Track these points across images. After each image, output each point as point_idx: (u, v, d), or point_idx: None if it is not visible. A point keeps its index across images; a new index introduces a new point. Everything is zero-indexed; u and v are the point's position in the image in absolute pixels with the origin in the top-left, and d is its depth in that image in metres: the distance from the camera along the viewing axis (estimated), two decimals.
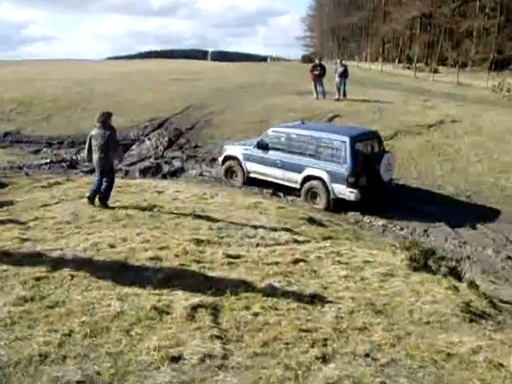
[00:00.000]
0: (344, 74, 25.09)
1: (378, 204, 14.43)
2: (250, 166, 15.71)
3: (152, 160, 19.09)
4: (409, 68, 51.09)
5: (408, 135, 19.38)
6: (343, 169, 13.65)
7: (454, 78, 39.94)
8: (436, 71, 46.27)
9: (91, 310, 5.37)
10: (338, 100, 24.91)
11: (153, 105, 25.96)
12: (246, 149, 15.89)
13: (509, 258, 11.86)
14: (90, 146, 10.12)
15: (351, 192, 13.57)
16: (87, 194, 10.26)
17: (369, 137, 15.20)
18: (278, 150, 15.08)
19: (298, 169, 14.52)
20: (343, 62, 27.31)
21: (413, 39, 66.93)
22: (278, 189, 15.14)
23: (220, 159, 16.89)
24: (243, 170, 15.88)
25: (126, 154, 20.13)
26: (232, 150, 16.40)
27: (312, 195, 14.32)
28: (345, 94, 25.27)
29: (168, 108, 25.15)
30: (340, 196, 13.79)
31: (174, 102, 26.34)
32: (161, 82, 33.03)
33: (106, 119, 10.18)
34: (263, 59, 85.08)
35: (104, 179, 10.16)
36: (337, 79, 25.28)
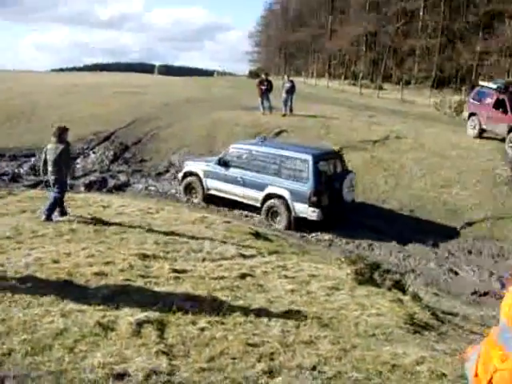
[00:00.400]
0: (291, 90, 25.30)
1: (340, 224, 14.42)
2: (211, 183, 15.53)
3: (97, 174, 18.85)
4: (354, 84, 51.84)
5: (353, 151, 19.65)
6: (305, 187, 13.57)
7: (398, 94, 40.79)
8: (381, 88, 47.15)
9: (33, 328, 5.21)
10: (284, 115, 25.09)
11: (98, 118, 25.60)
12: (207, 165, 15.74)
13: (451, 270, 12.15)
14: (45, 159, 10.14)
15: (313, 211, 13.49)
16: (43, 218, 9.92)
17: (332, 156, 15.15)
18: (239, 167, 14.95)
19: (260, 187, 14.39)
20: (290, 77, 27.58)
21: (358, 56, 68.06)
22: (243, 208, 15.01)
23: (180, 175, 16.64)
24: (203, 187, 15.61)
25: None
26: (192, 166, 16.20)
27: (273, 214, 14.19)
28: (291, 110, 25.48)
29: (114, 121, 24.85)
30: (302, 215, 13.74)
31: (120, 116, 26.05)
32: (107, 95, 32.63)
33: (61, 133, 10.31)
34: (210, 74, 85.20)
35: (53, 192, 10.17)
36: (284, 95, 25.46)
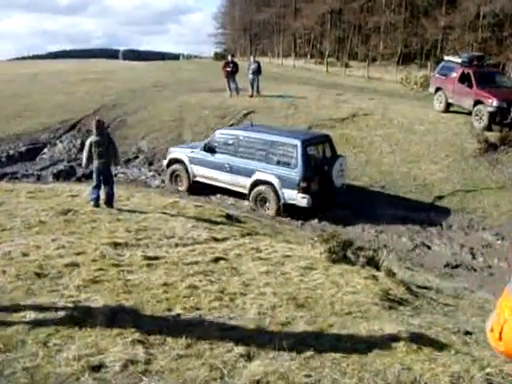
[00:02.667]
0: (257, 71, 25.22)
1: (330, 209, 14.28)
2: (197, 170, 15.27)
3: (65, 163, 18.62)
4: (321, 63, 51.88)
5: (322, 129, 19.66)
6: (294, 173, 13.37)
7: (364, 72, 40.90)
8: (347, 66, 47.26)
9: (4, 324, 5.12)
10: (251, 96, 25.03)
11: (64, 106, 25.27)
12: (192, 151, 15.50)
13: (423, 244, 12.29)
14: (90, 152, 10.44)
15: (303, 197, 13.28)
16: (90, 202, 10.51)
17: (321, 140, 14.95)
18: (225, 153, 14.68)
19: (247, 173, 14.13)
20: (256, 58, 27.49)
21: (324, 35, 68.01)
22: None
23: (164, 162, 16.36)
24: (189, 174, 15.39)
25: (37, 158, 19.55)
26: (177, 152, 15.93)
27: (261, 200, 13.99)
28: (258, 91, 25.42)
29: (80, 109, 24.55)
30: (290, 201, 13.53)
31: (85, 103, 25.75)
32: (71, 82, 32.21)
33: (101, 126, 10.70)
34: (176, 57, 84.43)
35: (106, 184, 10.56)
36: (250, 76, 25.37)
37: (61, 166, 17.98)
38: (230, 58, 27.15)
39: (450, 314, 6.50)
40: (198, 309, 5.64)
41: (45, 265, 6.79)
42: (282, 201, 13.55)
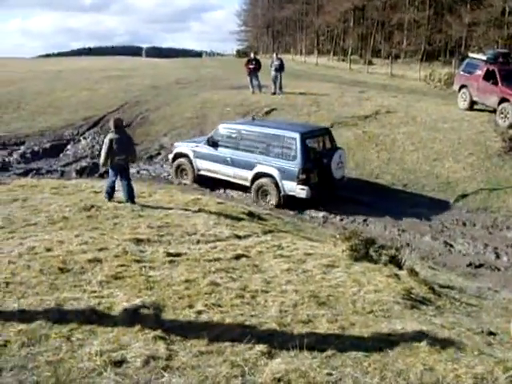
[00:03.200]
0: (280, 68, 25.14)
1: (330, 201, 14.40)
2: (201, 164, 15.52)
3: (88, 160, 18.73)
4: (343, 60, 51.65)
5: (345, 127, 19.60)
6: (293, 165, 13.56)
7: (387, 69, 40.62)
8: (370, 63, 46.96)
9: (28, 318, 5.17)
10: (274, 94, 24.98)
11: (87, 103, 25.46)
12: (196, 146, 15.73)
13: (446, 243, 12.17)
14: (109, 149, 10.56)
15: (302, 189, 13.49)
16: (104, 195, 10.81)
17: (320, 133, 15.13)
18: (228, 146, 14.95)
19: (249, 166, 14.36)
20: (278, 55, 27.39)
21: (347, 32, 67.62)
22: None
23: (170, 157, 16.65)
24: (193, 168, 15.66)
25: (61, 154, 19.72)
26: (182, 147, 16.20)
27: (263, 193, 14.21)
28: (281, 88, 25.34)
29: (103, 106, 24.71)
30: (291, 193, 13.73)
31: (108, 100, 25.91)
32: (95, 79, 32.43)
33: (120, 124, 10.93)
34: (198, 54, 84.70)
35: (124, 179, 10.78)
36: (272, 73, 25.31)
37: (84, 163, 18.10)
38: (252, 55, 27.14)
39: (474, 315, 6.44)
40: (219, 306, 5.65)
41: (68, 260, 6.86)
42: (283, 192, 13.79)
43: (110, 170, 10.96)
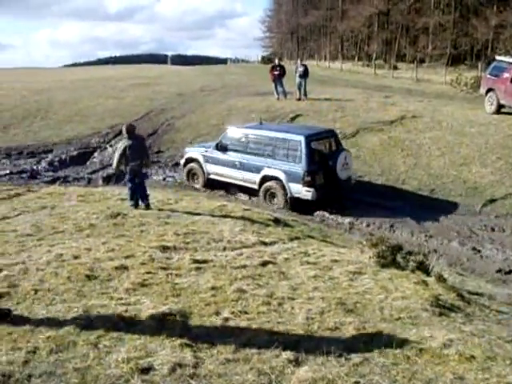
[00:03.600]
0: (304, 74, 25.13)
1: (337, 202, 14.59)
2: (210, 168, 15.86)
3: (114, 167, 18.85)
4: (368, 65, 51.52)
5: (370, 132, 19.51)
6: (299, 168, 13.80)
7: (412, 74, 40.39)
8: (395, 68, 46.77)
9: (56, 325, 5.21)
10: (299, 100, 24.97)
11: (113, 111, 25.71)
12: (206, 151, 16.07)
13: (474, 249, 12.00)
14: (123, 155, 10.76)
15: (307, 191, 13.72)
16: (130, 203, 10.92)
17: (325, 135, 15.30)
18: (236, 151, 15.28)
19: (256, 169, 14.63)
20: (303, 61, 27.40)
21: (371, 37, 67.46)
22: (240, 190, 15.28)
23: (182, 162, 17.03)
24: (204, 172, 16.01)
25: (88, 162, 19.91)
26: (192, 152, 16.53)
27: (270, 195, 14.44)
28: (306, 94, 25.33)
29: (129, 114, 24.92)
30: (297, 195, 13.97)
31: (134, 108, 26.14)
32: (121, 87, 32.75)
33: (133, 130, 11.09)
34: (223, 61, 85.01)
35: (139, 183, 11.04)
36: (297, 79, 25.32)
37: (110, 170, 18.21)
38: (277, 61, 27.17)
39: (504, 322, 6.32)
40: (246, 313, 5.64)
41: (95, 267, 6.91)
42: (289, 195, 14.03)
43: (127, 177, 11.13)
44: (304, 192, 13.75)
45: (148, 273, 6.78)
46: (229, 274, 6.90)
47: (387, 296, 6.35)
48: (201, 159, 16.04)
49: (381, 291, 6.54)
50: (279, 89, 25.49)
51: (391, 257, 7.87)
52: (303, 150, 13.79)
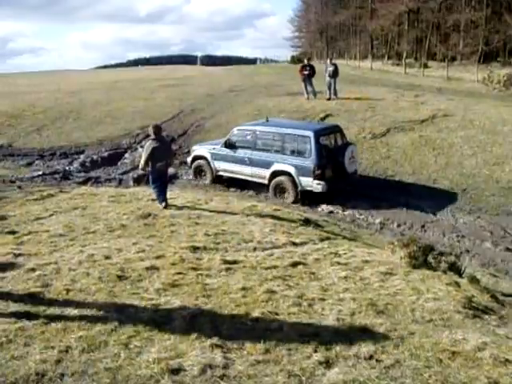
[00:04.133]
0: (334, 73, 24.98)
1: (345, 194, 15.02)
2: (219, 165, 16.22)
3: None
4: (398, 64, 51.06)
5: (401, 131, 19.32)
6: (309, 162, 14.15)
7: (443, 72, 39.90)
8: (426, 66, 46.24)
9: (88, 324, 5.26)
10: (329, 99, 24.84)
11: (144, 112, 25.87)
12: (214, 148, 16.45)
13: (508, 249, 11.81)
14: (151, 156, 10.89)
15: (318, 184, 14.05)
16: (163, 204, 10.94)
17: (332, 130, 15.69)
18: (244, 147, 15.58)
19: (266, 165, 14.95)
20: (333, 61, 27.25)
21: (401, 35, 66.85)
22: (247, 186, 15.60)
23: (189, 160, 17.42)
24: (212, 169, 16.39)
25: (119, 163, 20.07)
26: (200, 150, 16.93)
27: (281, 190, 14.77)
28: (336, 93, 25.19)
29: (159, 115, 25.04)
30: (307, 188, 14.30)
31: (164, 109, 26.27)
32: (151, 88, 32.97)
33: (160, 131, 11.32)
34: (252, 61, 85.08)
35: (163, 183, 11.25)
36: (327, 78, 25.18)
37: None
38: (306, 61, 27.05)
39: None
40: (276, 314, 5.63)
41: (126, 268, 6.97)
42: (300, 188, 14.37)
43: (152, 177, 11.29)
44: (315, 185, 14.10)
45: (178, 273, 6.81)
46: (259, 275, 6.90)
47: (419, 297, 6.29)
48: (209, 156, 16.40)
49: (412, 292, 6.48)
50: (309, 88, 25.39)
51: (423, 257, 7.80)
52: (313, 145, 14.16)
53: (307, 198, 14.31)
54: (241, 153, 15.55)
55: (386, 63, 54.67)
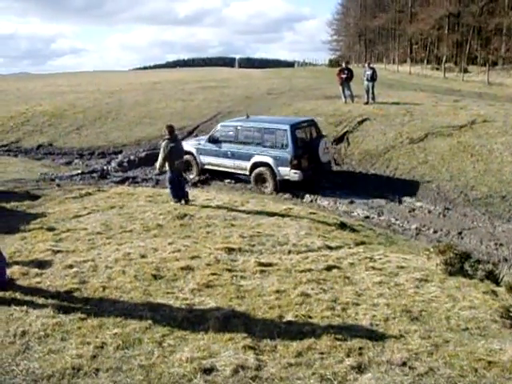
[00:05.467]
0: (372, 77, 24.84)
1: (320, 183, 16.69)
2: (204, 159, 17.34)
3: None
4: (437, 69, 50.48)
5: (439, 137, 19.08)
6: (286, 153, 15.40)
7: (484, 77, 39.31)
8: (466, 71, 45.61)
9: (123, 322, 5.34)
10: (366, 103, 24.68)
11: (181, 113, 26.07)
12: (199, 144, 17.64)
13: None
14: (169, 155, 11.41)
15: (295, 173, 15.33)
16: (181, 202, 11.53)
17: (307, 124, 16.96)
18: (227, 142, 16.81)
19: (247, 157, 16.17)
20: (371, 64, 27.08)
21: (441, 39, 66.04)
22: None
23: None
24: (198, 163, 17.51)
25: (157, 164, 20.27)
26: (186, 146, 17.49)
27: (261, 180, 15.95)
28: (373, 97, 25.03)
29: (197, 116, 25.23)
30: (285, 177, 15.54)
31: (202, 110, 26.44)
32: (189, 90, 33.21)
33: (174, 130, 11.97)
34: (290, 64, 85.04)
35: (181, 180, 11.99)
36: (365, 82, 25.05)
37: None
38: (344, 64, 26.95)
39: None
40: (309, 317, 5.62)
41: (161, 267, 7.04)
42: (278, 177, 15.60)
43: (169, 176, 11.74)
44: (292, 174, 15.35)
45: (213, 274, 6.86)
46: (293, 278, 6.90)
47: (454, 305, 6.21)
48: (194, 151, 17.47)
49: (447, 300, 6.40)
50: (347, 92, 25.29)
51: (459, 265, 7.70)
52: (289, 138, 15.44)
53: (286, 188, 15.54)
54: (224, 147, 16.74)
55: (425, 67, 54.04)
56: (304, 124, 16.81)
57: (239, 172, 16.65)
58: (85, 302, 5.85)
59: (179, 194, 11.61)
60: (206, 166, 17.38)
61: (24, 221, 9.81)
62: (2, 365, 4.57)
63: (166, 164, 11.57)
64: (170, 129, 11.70)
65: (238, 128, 16.67)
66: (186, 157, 17.12)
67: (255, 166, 15.98)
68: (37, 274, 6.78)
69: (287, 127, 15.61)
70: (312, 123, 17.14)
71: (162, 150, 11.51)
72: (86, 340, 4.98)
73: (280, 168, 15.47)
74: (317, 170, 16.22)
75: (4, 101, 32.74)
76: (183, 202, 11.48)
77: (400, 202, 15.10)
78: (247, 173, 16.26)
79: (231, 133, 16.74)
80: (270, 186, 15.72)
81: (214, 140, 17.00)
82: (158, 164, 11.91)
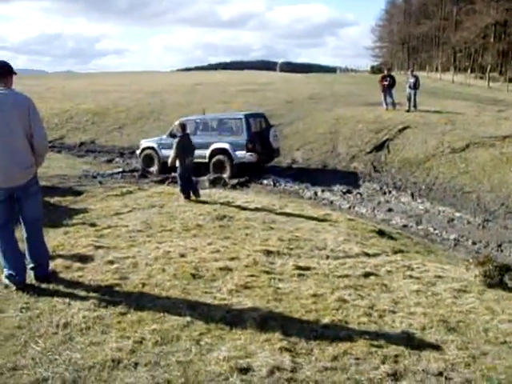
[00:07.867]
0: (415, 85, 24.70)
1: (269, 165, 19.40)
2: (165, 152, 18.21)
3: None
4: (481, 78, 49.86)
5: (481, 147, 18.85)
6: (242, 138, 17.72)
7: None
8: (511, 80, 44.92)
9: (162, 318, 5.42)
10: (408, 111, 24.55)
11: None
12: (160, 139, 19.61)
13: None
14: (181, 152, 12.10)
15: (251, 155, 17.61)
16: (182, 195, 12.16)
17: (258, 116, 19.67)
18: None
19: (206, 146, 17.92)
20: (414, 72, 26.92)
21: (486, 48, 65.21)
22: None
23: (138, 152, 20.35)
24: (159, 157, 19.16)
25: (169, 160, 20.61)
26: (148, 142, 20.09)
27: (219, 166, 17.91)
28: (415, 106, 24.88)
29: None
30: (242, 160, 17.72)
31: None
32: (230, 93, 33.41)
33: (186, 128, 12.86)
34: (332, 70, 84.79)
35: (190, 177, 12.54)
36: (407, 90, 24.93)
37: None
38: (386, 71, 26.84)
39: None
40: (346, 322, 5.63)
41: (200, 267, 7.12)
42: (236, 161, 17.77)
43: (179, 172, 12.25)
44: (248, 156, 17.59)
45: (251, 276, 6.90)
46: (331, 283, 6.91)
47: (493, 317, 6.15)
48: (156, 146, 19.36)
49: (486, 312, 6.34)
50: (388, 99, 25.18)
51: (498, 277, 7.61)
52: (244, 125, 17.82)
53: (243, 173, 17.52)
54: None
55: (469, 76, 53.39)
56: (255, 115, 19.49)
57: (199, 161, 17.17)
58: (125, 298, 5.95)
59: (188, 188, 12.14)
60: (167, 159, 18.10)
61: (67, 216, 10.04)
62: (45, 354, 4.70)
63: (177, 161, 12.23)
64: (182, 126, 12.54)
65: (197, 121, 19.05)
66: (148, 151, 19.61)
67: (214, 153, 18.00)
68: (79, 267, 6.92)
69: (242, 116, 18.18)
70: (262, 116, 19.84)
71: (174, 146, 12.05)
72: (125, 334, 5.07)
73: (237, 152, 17.65)
74: (269, 154, 18.70)
75: (50, 98, 33.43)
76: (193, 198, 12.04)
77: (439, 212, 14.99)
78: (206, 160, 18.00)
79: (191, 127, 18.01)
80: (227, 171, 17.68)
81: (174, 135, 17.19)
82: (169, 160, 12.52)
